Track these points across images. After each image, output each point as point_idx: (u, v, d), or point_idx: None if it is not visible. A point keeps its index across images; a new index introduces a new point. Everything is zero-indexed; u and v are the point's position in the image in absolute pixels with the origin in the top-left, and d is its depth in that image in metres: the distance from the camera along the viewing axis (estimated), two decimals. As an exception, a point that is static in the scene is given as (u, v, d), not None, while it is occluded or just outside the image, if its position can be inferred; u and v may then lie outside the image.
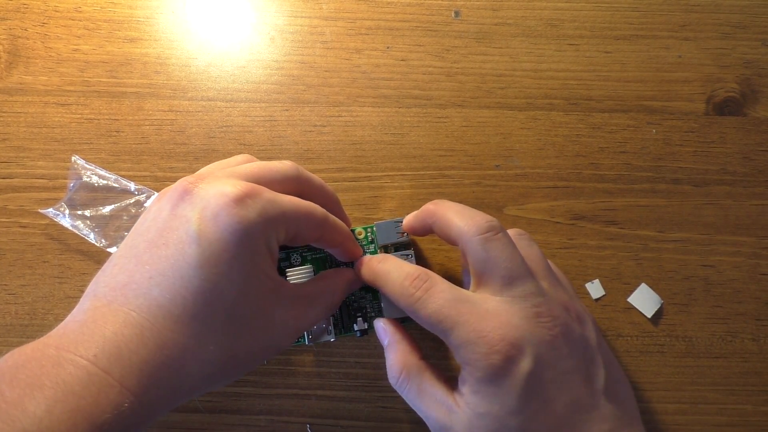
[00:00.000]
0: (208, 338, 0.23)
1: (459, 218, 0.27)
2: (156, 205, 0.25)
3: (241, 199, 0.24)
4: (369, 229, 0.32)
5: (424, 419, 0.28)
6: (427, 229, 0.30)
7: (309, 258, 0.32)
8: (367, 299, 0.32)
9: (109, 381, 0.20)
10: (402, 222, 0.31)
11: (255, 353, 0.25)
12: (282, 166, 0.28)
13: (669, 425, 0.32)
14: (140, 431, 0.22)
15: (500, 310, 0.26)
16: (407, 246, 0.32)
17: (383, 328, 0.31)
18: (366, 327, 0.32)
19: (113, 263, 0.24)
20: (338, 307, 0.31)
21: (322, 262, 0.32)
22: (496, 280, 0.26)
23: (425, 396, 0.28)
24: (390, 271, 0.29)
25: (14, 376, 0.20)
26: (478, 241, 0.26)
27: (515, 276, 0.26)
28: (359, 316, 0.32)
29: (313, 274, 0.32)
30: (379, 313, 0.32)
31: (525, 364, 0.24)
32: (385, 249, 0.32)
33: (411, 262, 0.31)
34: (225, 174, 0.26)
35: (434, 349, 0.33)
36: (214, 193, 0.24)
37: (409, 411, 0.32)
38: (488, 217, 0.27)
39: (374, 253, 0.32)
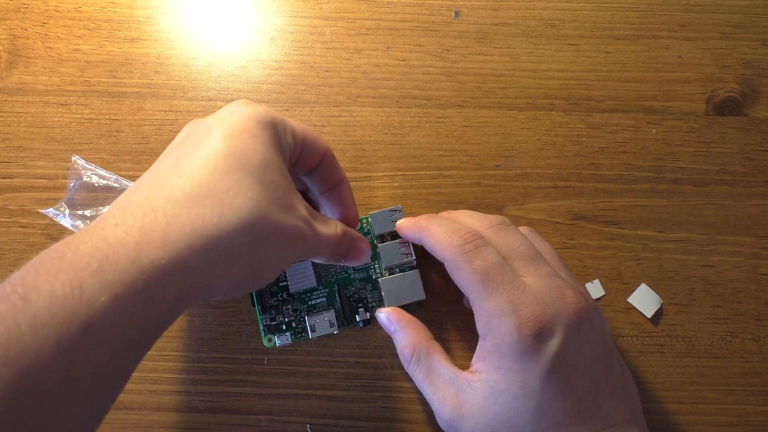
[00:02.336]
0: (243, 190, 0.22)
1: (441, 232, 0.28)
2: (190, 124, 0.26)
3: (252, 104, 0.25)
4: (364, 220, 0.33)
5: (430, 402, 0.28)
6: (417, 239, 0.30)
7: None
8: (368, 290, 0.33)
9: (130, 237, 0.19)
10: (398, 210, 0.32)
11: (285, 222, 0.23)
12: (319, 136, 0.29)
13: (669, 425, 0.32)
14: (182, 295, 0.21)
15: (534, 287, 0.26)
16: None
17: (386, 317, 0.31)
18: (368, 317, 0.32)
19: (154, 168, 0.24)
20: (332, 261, 0.30)
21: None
22: (519, 262, 0.27)
23: (435, 376, 0.28)
24: (439, 224, 0.29)
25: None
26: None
27: (535, 257, 0.27)
28: (360, 307, 0.32)
29: (312, 268, 0.32)
30: (380, 303, 0.32)
31: (553, 344, 0.25)
32: (382, 238, 0.33)
33: (408, 249, 0.32)
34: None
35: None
36: (224, 109, 0.25)
37: (409, 411, 0.32)
38: (474, 231, 0.28)
39: (371, 244, 0.32)
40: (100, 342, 0.18)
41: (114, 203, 0.22)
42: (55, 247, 0.19)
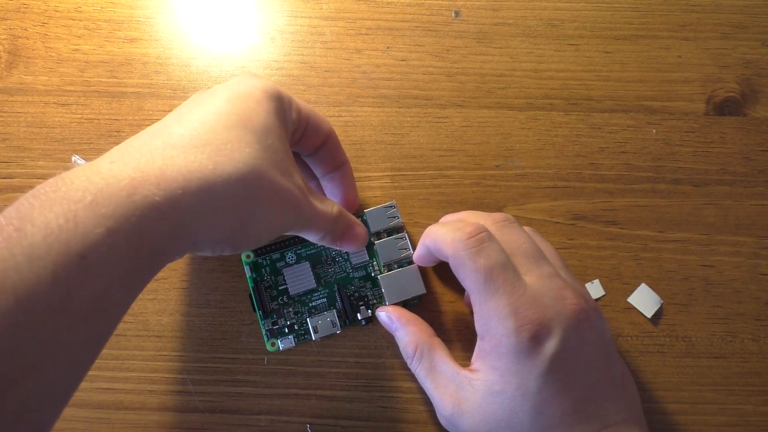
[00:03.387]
0: (241, 144, 0.23)
1: (445, 230, 0.28)
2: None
3: (259, 77, 0.26)
4: (360, 218, 0.33)
5: (432, 398, 0.28)
6: (432, 258, 0.30)
7: (304, 255, 0.33)
8: (368, 287, 0.33)
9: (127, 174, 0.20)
10: (393, 206, 0.32)
11: (281, 183, 0.24)
12: (323, 117, 0.29)
13: (669, 425, 0.32)
14: (179, 241, 0.21)
15: (535, 287, 0.26)
16: (400, 229, 0.33)
17: (387, 315, 0.31)
18: (370, 315, 0.32)
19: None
20: (325, 241, 0.29)
21: (317, 256, 0.33)
22: (521, 260, 0.27)
23: (437, 373, 0.28)
24: (442, 225, 0.29)
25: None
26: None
27: (538, 256, 0.27)
28: (362, 305, 0.32)
29: (310, 270, 0.32)
30: (381, 300, 0.32)
31: (551, 345, 0.25)
32: (378, 235, 0.33)
33: (406, 244, 0.32)
34: None
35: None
36: (232, 79, 0.26)
37: (409, 411, 0.32)
38: (479, 225, 0.27)
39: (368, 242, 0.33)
40: (95, 273, 0.18)
41: (113, 148, 0.23)
42: (50, 182, 0.20)
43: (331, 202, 0.28)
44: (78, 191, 0.19)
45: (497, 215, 0.29)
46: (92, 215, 0.19)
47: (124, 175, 0.20)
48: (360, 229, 0.30)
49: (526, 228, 0.30)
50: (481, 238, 0.26)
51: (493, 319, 0.25)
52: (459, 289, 0.34)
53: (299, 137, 0.28)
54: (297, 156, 0.31)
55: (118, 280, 0.19)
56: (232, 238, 0.23)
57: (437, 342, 0.30)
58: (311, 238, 0.28)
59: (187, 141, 0.22)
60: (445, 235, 0.27)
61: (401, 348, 0.30)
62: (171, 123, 0.23)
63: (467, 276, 0.26)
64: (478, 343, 0.27)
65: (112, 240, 0.19)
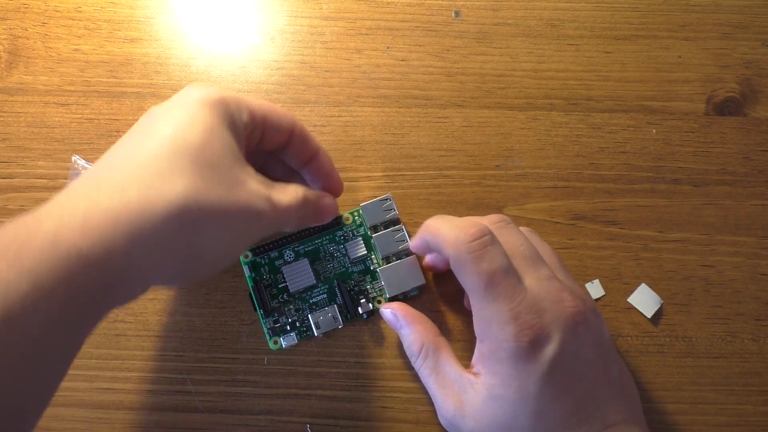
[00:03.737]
0: (173, 175, 0.21)
1: (448, 228, 0.27)
2: None
3: (201, 86, 0.25)
4: (356, 212, 0.33)
5: (434, 398, 0.28)
6: (428, 249, 0.30)
7: (302, 252, 0.33)
8: (367, 281, 0.33)
9: (51, 227, 0.19)
10: (389, 199, 0.32)
11: (226, 202, 0.22)
12: (284, 113, 0.27)
13: (669, 425, 0.32)
14: (125, 289, 0.21)
15: (534, 291, 0.26)
16: (396, 222, 0.33)
17: (392, 313, 0.31)
18: (371, 308, 0.32)
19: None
20: (288, 227, 0.28)
21: (315, 253, 0.33)
22: (519, 262, 0.26)
23: (440, 373, 0.28)
24: (444, 221, 0.28)
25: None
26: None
27: (535, 257, 0.27)
28: (362, 299, 0.32)
29: (309, 266, 0.32)
30: (381, 293, 0.32)
31: (550, 349, 0.25)
32: (375, 229, 0.33)
33: (403, 236, 0.32)
34: None
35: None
36: (176, 94, 0.25)
37: (409, 411, 0.32)
38: (481, 225, 0.27)
39: (365, 236, 0.33)
40: (20, 332, 0.18)
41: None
42: None
43: (293, 188, 0.27)
44: (2, 244, 0.18)
45: (493, 216, 0.29)
46: (16, 269, 0.18)
47: (49, 225, 0.19)
48: (327, 200, 0.29)
49: (522, 228, 0.30)
50: (485, 242, 0.26)
51: (492, 324, 0.25)
52: (459, 289, 0.34)
53: (259, 137, 0.27)
54: (272, 155, 0.30)
55: (48, 336, 0.19)
56: (183, 274, 0.23)
57: (442, 342, 0.30)
58: (286, 229, 0.28)
59: (115, 179, 0.21)
60: (447, 233, 0.27)
61: (406, 346, 0.30)
62: (102, 161, 0.22)
63: (469, 279, 0.26)
64: (478, 345, 0.27)
65: (37, 295, 0.18)
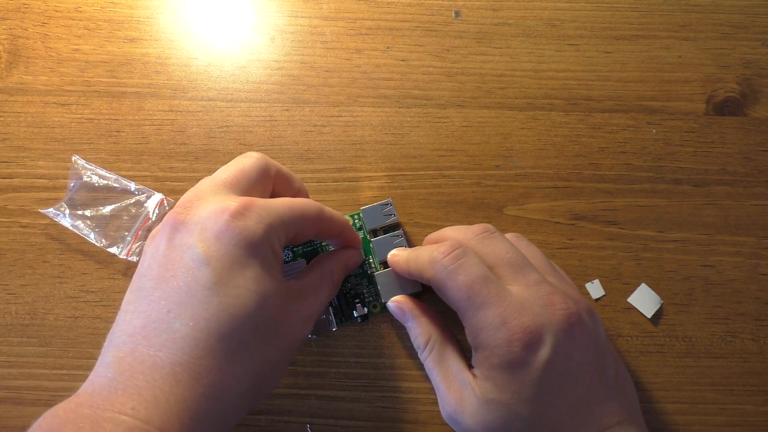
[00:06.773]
0: (241, 353, 0.22)
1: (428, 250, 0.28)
2: (151, 243, 0.25)
3: (237, 213, 0.23)
4: (356, 216, 0.33)
5: (437, 391, 0.28)
6: (407, 273, 0.30)
7: (300, 252, 0.33)
8: (364, 285, 0.33)
9: (150, 430, 0.20)
10: (389, 204, 0.32)
11: (284, 352, 0.24)
12: (251, 161, 0.27)
13: (669, 425, 0.32)
14: None
15: (522, 296, 0.26)
16: (396, 227, 0.33)
17: (398, 307, 0.31)
18: (366, 312, 0.32)
19: (124, 310, 0.23)
20: (339, 287, 0.31)
21: (313, 253, 0.33)
22: (506, 270, 0.26)
23: (445, 367, 0.28)
24: (421, 249, 0.29)
25: None
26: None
27: (522, 264, 0.27)
28: (357, 302, 0.32)
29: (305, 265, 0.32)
30: (377, 298, 0.32)
31: (543, 354, 0.25)
32: (374, 233, 0.33)
33: (401, 242, 0.32)
34: (210, 192, 0.25)
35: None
36: (208, 215, 0.23)
37: (409, 411, 0.32)
38: (455, 242, 0.27)
39: (364, 238, 0.33)
40: None
41: (116, 365, 0.22)
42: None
43: (309, 268, 0.28)
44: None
45: (477, 227, 0.29)
46: None
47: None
48: (352, 260, 0.31)
49: (509, 234, 0.30)
50: (457, 255, 0.26)
51: (483, 332, 0.25)
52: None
53: (292, 237, 0.27)
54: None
55: None
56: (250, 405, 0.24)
57: (449, 336, 0.30)
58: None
59: (187, 382, 0.21)
60: (422, 258, 0.28)
61: (413, 338, 0.30)
62: (156, 341, 0.22)
63: (451, 295, 0.26)
64: (473, 353, 0.27)
65: None
